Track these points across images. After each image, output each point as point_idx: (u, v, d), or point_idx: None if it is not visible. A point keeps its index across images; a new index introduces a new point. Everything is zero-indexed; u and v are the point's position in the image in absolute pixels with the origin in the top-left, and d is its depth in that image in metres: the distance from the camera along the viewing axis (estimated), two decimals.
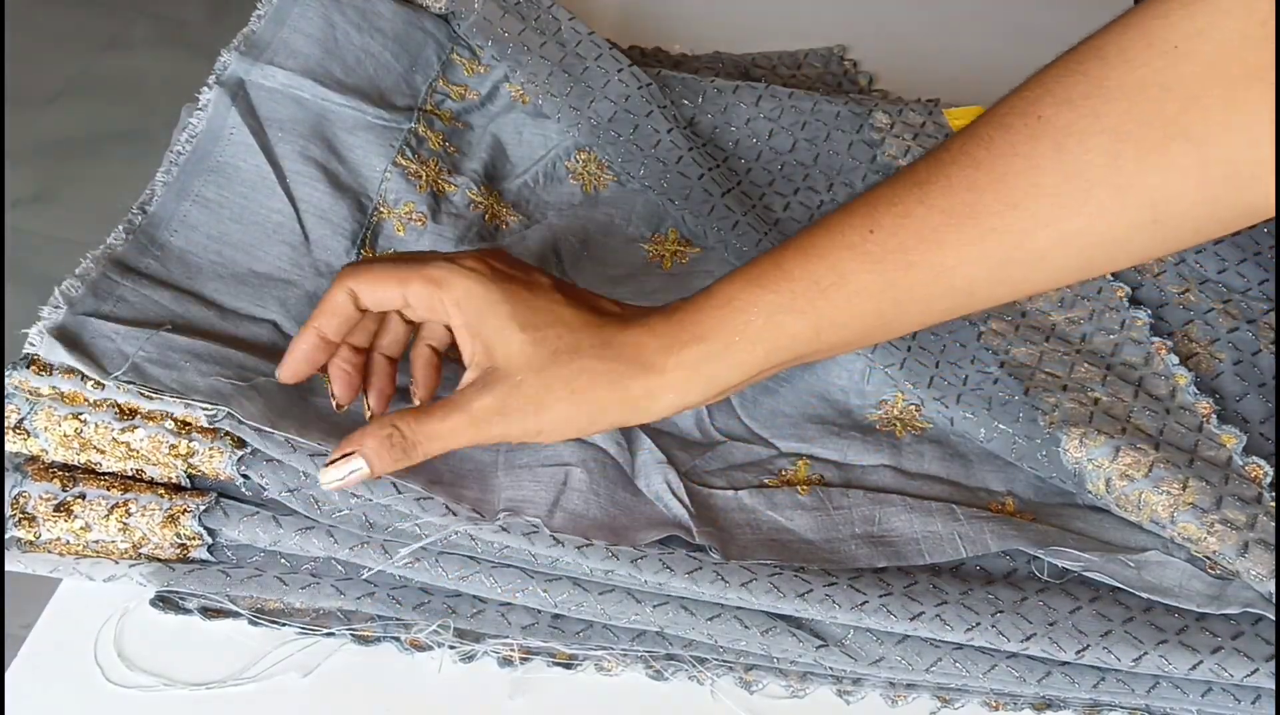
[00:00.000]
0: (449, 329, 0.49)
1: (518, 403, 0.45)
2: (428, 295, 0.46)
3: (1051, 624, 0.48)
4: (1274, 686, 0.48)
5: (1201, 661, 0.47)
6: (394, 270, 0.47)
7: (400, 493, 0.47)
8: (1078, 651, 0.47)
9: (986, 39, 0.84)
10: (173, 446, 0.47)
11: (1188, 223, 0.40)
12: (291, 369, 0.48)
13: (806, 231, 0.46)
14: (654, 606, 0.48)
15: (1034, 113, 0.41)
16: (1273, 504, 0.50)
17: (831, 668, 0.48)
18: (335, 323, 0.47)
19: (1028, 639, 0.47)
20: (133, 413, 0.47)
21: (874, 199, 0.44)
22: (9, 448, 0.48)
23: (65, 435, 0.47)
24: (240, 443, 0.47)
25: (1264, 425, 0.56)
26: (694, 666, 0.49)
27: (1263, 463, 0.52)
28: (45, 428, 0.47)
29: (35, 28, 1.84)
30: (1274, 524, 0.49)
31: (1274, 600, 0.49)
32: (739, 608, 0.48)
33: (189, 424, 0.47)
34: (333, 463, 0.45)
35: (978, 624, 0.47)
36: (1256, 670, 0.47)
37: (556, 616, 0.49)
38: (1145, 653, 0.47)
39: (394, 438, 0.45)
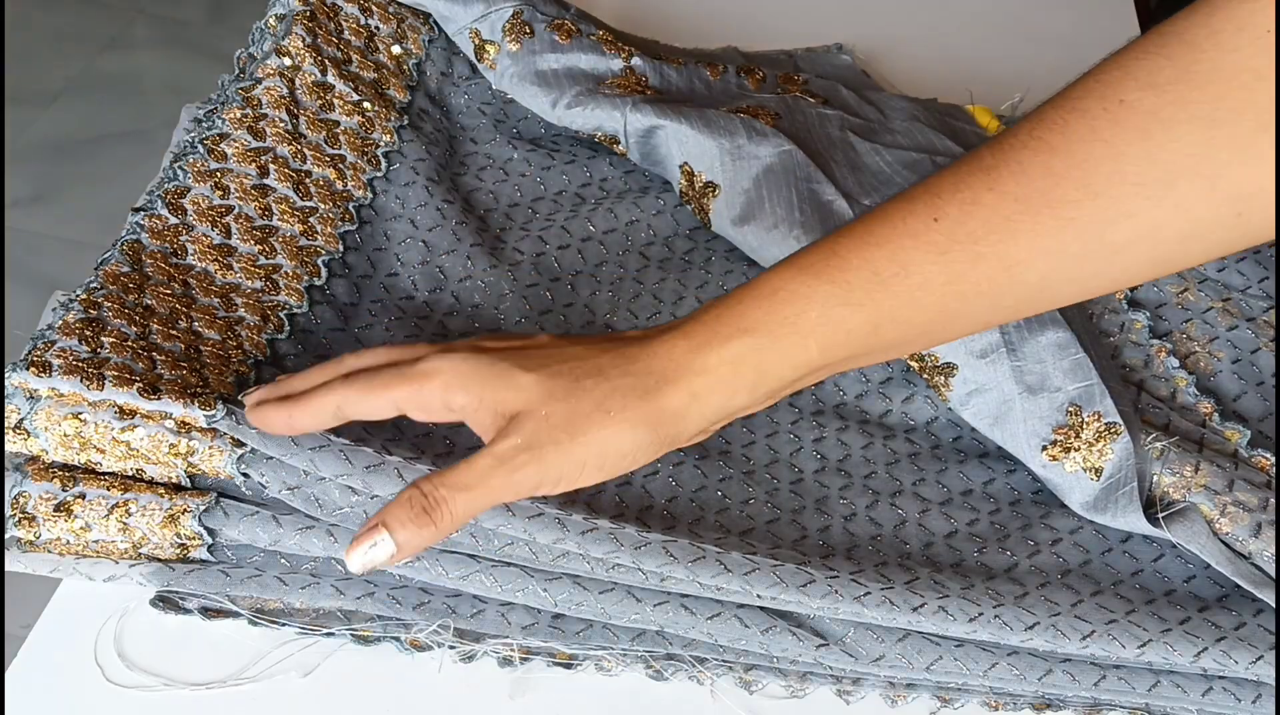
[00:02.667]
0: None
1: (548, 434, 0.41)
2: (415, 395, 0.42)
3: (1055, 615, 0.48)
4: (1274, 686, 0.48)
5: (1205, 649, 0.47)
6: (379, 382, 0.43)
7: None
8: (1082, 639, 0.47)
9: (988, 39, 0.84)
10: (172, 446, 0.47)
11: (1268, 217, 0.38)
12: (259, 419, 0.45)
13: (863, 219, 0.42)
14: (654, 605, 0.48)
15: (1114, 97, 0.38)
16: None
17: (831, 667, 0.48)
18: (320, 425, 0.44)
19: (1031, 628, 0.47)
20: (132, 412, 0.47)
21: (936, 186, 0.41)
22: (9, 447, 0.48)
23: (65, 435, 0.47)
24: (240, 441, 0.47)
25: (1262, 423, 0.56)
26: (694, 666, 0.49)
27: (1268, 455, 0.52)
28: (45, 427, 0.47)
29: (35, 28, 1.84)
30: None
31: (1274, 599, 0.49)
32: (739, 606, 0.48)
33: (188, 423, 0.47)
34: (358, 542, 0.41)
35: (980, 615, 0.47)
36: (1260, 658, 0.47)
37: (556, 616, 0.49)
38: (1150, 640, 0.47)
39: (414, 498, 0.41)
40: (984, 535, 0.52)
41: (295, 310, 0.55)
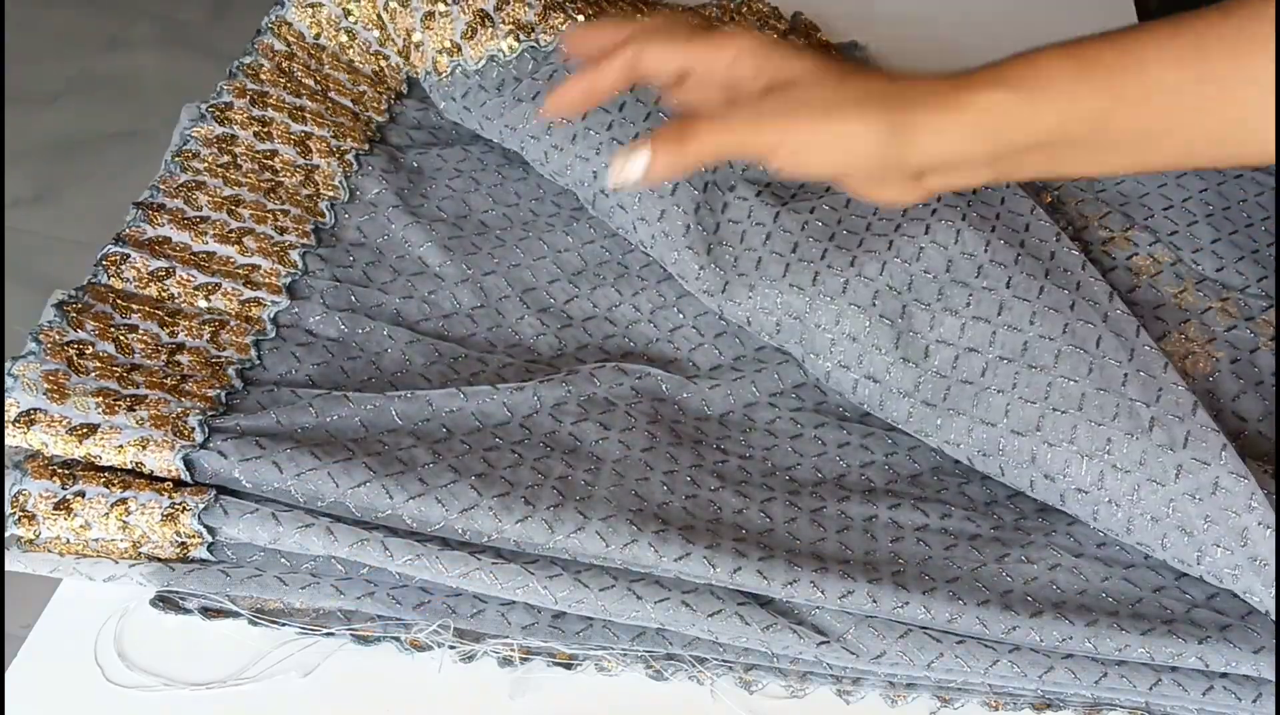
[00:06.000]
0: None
1: (805, 106, 0.45)
2: (710, 55, 0.46)
3: (1036, 615, 0.48)
4: (1275, 685, 0.48)
5: (1184, 653, 0.48)
6: (681, 37, 0.47)
7: None
8: (1061, 640, 0.48)
9: (987, 39, 0.84)
10: (249, 300, 0.55)
11: None
12: (555, 105, 0.48)
13: (1107, 31, 0.46)
14: (655, 602, 0.48)
15: None
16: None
17: (832, 665, 0.49)
18: (608, 84, 0.47)
19: (1011, 630, 0.48)
20: (212, 269, 0.54)
21: (1176, 16, 0.45)
22: (9, 442, 0.48)
23: (148, 283, 0.54)
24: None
25: (1262, 422, 0.56)
26: (694, 666, 0.49)
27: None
28: (94, 327, 0.51)
29: (35, 28, 1.84)
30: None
31: (1274, 601, 0.49)
32: (740, 604, 0.48)
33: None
34: (619, 157, 0.44)
35: (961, 615, 0.48)
36: (1242, 660, 0.48)
37: (556, 616, 0.49)
38: (1128, 644, 0.48)
39: (676, 123, 0.44)
40: (984, 555, 0.52)
41: (278, 308, 0.56)
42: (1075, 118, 0.45)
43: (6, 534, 0.47)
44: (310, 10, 0.68)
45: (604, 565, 0.49)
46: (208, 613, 0.48)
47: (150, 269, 0.55)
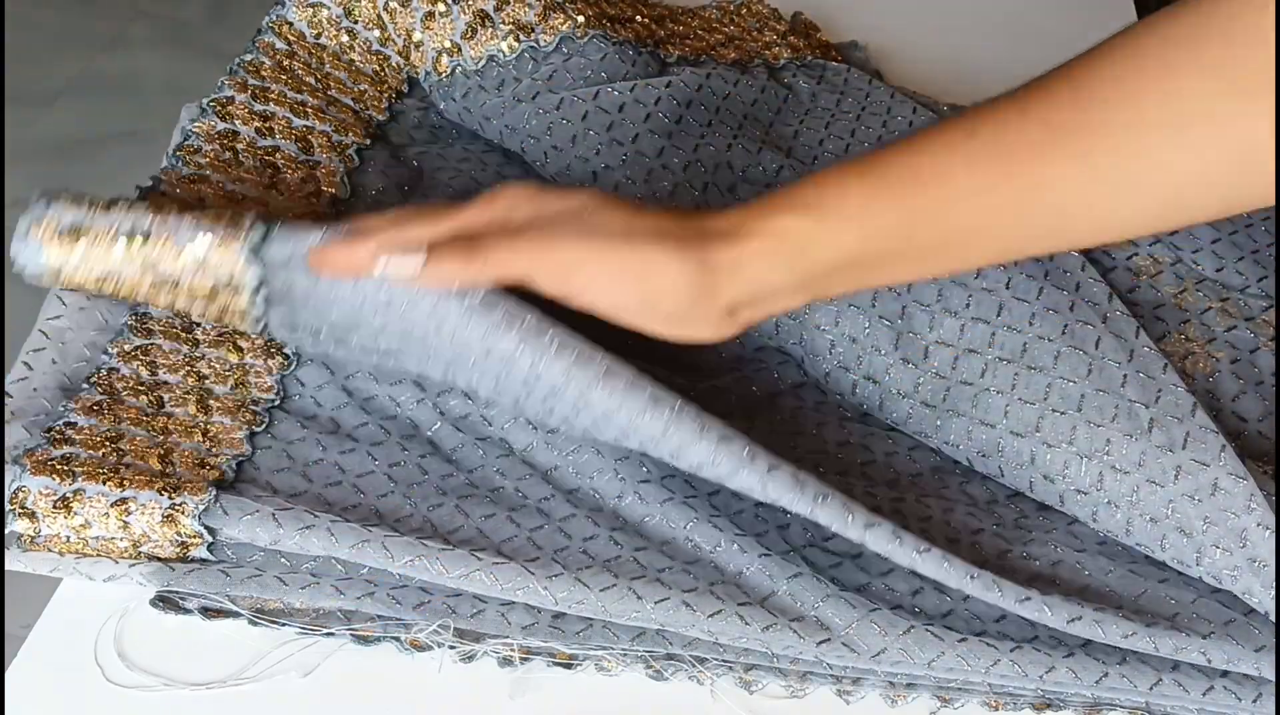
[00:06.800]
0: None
1: (604, 232, 0.44)
2: (484, 212, 0.45)
3: (1100, 612, 0.48)
4: (1274, 685, 0.48)
5: (1187, 647, 0.48)
6: (444, 213, 0.45)
7: None
8: (1069, 621, 0.48)
9: (988, 39, 0.84)
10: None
11: (1268, 175, 0.41)
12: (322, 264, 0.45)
13: (906, 136, 0.46)
14: (655, 602, 0.48)
15: (1137, 46, 0.42)
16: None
17: (832, 665, 0.49)
18: (366, 266, 0.45)
19: (1024, 600, 0.48)
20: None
21: (973, 112, 0.44)
22: (10, 439, 0.48)
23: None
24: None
25: (1262, 423, 0.56)
26: (694, 666, 0.49)
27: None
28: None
29: (35, 28, 1.84)
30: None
31: (1273, 602, 0.49)
32: (740, 604, 0.48)
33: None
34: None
35: (979, 575, 0.48)
36: (1244, 658, 0.48)
37: (556, 616, 0.49)
38: (1134, 631, 0.48)
39: (460, 240, 0.43)
40: (986, 551, 0.52)
41: None
42: (876, 235, 0.44)
43: (6, 531, 0.47)
44: (311, 10, 0.68)
45: (604, 565, 0.49)
46: (208, 613, 0.48)
47: None
